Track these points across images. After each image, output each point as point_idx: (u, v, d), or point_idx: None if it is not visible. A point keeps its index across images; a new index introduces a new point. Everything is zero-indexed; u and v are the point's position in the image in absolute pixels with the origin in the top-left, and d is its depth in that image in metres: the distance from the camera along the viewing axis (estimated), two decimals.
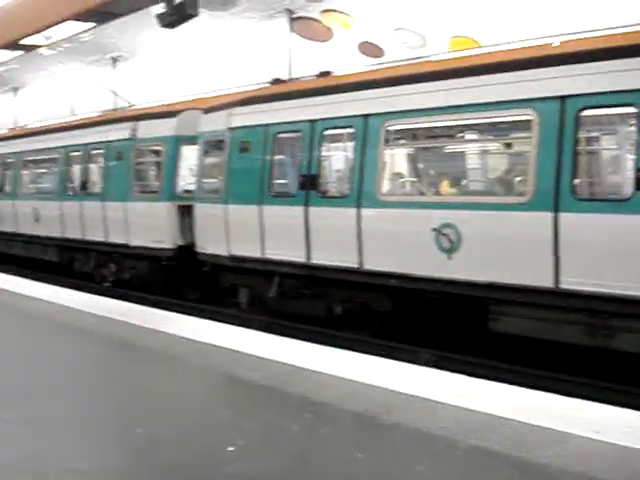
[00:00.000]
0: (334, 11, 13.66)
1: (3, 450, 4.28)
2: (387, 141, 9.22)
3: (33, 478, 3.86)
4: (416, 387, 5.20)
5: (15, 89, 22.29)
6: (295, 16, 14.10)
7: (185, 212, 12.49)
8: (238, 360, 6.07)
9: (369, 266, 9.19)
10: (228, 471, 3.92)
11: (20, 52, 10.78)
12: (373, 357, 6.31)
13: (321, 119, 9.97)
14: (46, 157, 16.82)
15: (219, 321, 8.19)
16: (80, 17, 8.38)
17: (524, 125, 7.94)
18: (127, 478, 3.93)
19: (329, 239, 9.67)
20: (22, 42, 9.79)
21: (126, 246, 13.40)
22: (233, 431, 4.44)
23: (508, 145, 9.51)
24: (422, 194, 9.51)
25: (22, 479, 3.86)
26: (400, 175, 10.09)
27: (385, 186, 9.34)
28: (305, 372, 5.65)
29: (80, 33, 9.86)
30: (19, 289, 9.91)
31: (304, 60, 14.14)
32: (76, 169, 15.42)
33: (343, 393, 5.16)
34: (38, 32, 9.12)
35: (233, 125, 11.26)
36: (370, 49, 14.30)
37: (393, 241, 8.93)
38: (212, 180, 12.03)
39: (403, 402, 4.91)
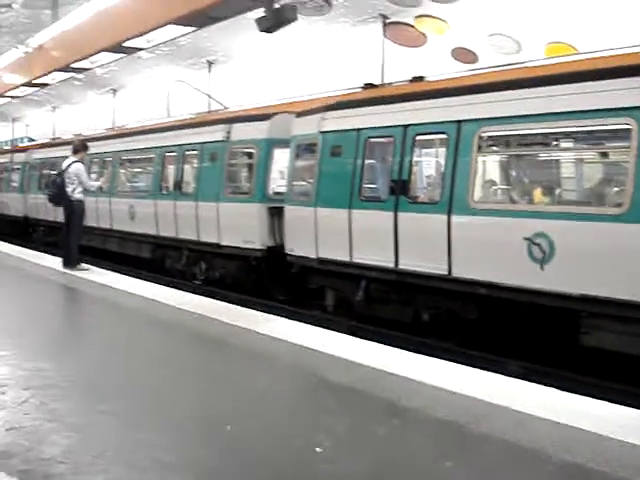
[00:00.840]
0: (428, 16, 13.62)
1: (98, 439, 4.46)
2: (480, 148, 9.14)
3: (126, 468, 4.00)
4: (504, 398, 5.13)
5: (114, 90, 23.09)
6: (389, 21, 14.12)
7: (275, 214, 12.68)
8: (327, 362, 6.12)
9: (458, 274, 9.12)
10: (316, 471, 3.98)
11: (122, 55, 11.15)
12: (460, 365, 6.26)
13: (413, 124, 9.96)
14: (142, 157, 17.35)
15: (306, 323, 8.27)
16: (181, 21, 8.60)
17: (623, 134, 7.74)
18: (216, 473, 4.04)
19: (418, 245, 9.65)
20: (125, 45, 10.11)
21: (217, 245, 13.70)
22: (322, 432, 4.50)
23: (605, 154, 9.28)
24: (514, 202, 9.37)
25: (116, 469, 4.01)
26: (492, 182, 9.98)
27: (477, 193, 9.25)
28: (393, 377, 5.65)
29: (180, 37, 10.12)
30: (117, 284, 10.25)
31: (396, 65, 14.15)
32: (171, 169, 15.83)
33: (431, 400, 5.15)
34: (141, 35, 9.41)
35: (325, 129, 11.37)
36: (464, 55, 14.19)
37: (483, 249, 8.84)
38: (303, 183, 12.18)
39: (491, 412, 4.86)
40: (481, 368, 6.22)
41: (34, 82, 14.79)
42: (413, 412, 4.95)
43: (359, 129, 10.75)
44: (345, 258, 10.71)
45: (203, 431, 4.72)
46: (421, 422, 4.80)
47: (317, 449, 4.21)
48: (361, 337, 7.66)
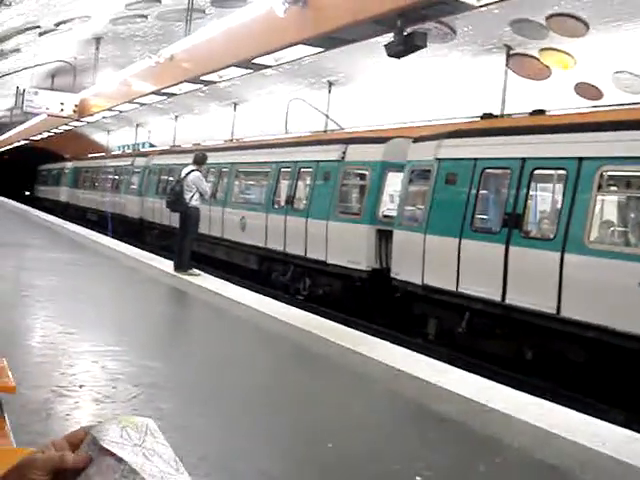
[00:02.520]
0: (554, 50, 13.42)
1: (200, 442, 4.60)
2: (600, 186, 8.93)
3: (229, 475, 4.11)
4: (611, 447, 4.99)
5: (235, 104, 23.75)
6: (513, 52, 14.00)
7: (383, 237, 12.73)
8: (428, 390, 6.11)
9: (567, 314, 8.91)
10: None
11: (249, 70, 11.48)
12: (564, 408, 6.12)
13: (532, 158, 9.83)
14: (257, 170, 17.77)
15: (406, 349, 8.26)
16: (311, 42, 8.80)
17: None
18: None
19: (527, 281, 9.48)
20: (253, 62, 10.42)
21: (323, 263, 13.85)
22: (421, 461, 4.50)
23: None
24: (632, 245, 9.09)
25: (219, 475, 4.13)
26: (610, 223, 9.71)
27: (593, 233, 9.03)
28: (495, 413, 5.57)
29: (306, 57, 10.34)
30: (225, 292, 10.52)
31: (516, 97, 14.00)
32: (284, 184, 16.14)
33: (534, 441, 5.05)
34: (270, 53, 9.68)
35: (441, 156, 11.35)
36: (588, 91, 13.89)
37: (596, 291, 8.61)
38: (414, 208, 12.18)
39: (597, 461, 4.73)
40: (581, 412, 6.06)
41: (162, 91, 15.40)
42: (515, 451, 4.87)
43: (476, 159, 10.69)
44: (451, 287, 10.64)
45: (303, 446, 4.80)
46: (523, 463, 4.73)
47: (417, 478, 4.21)
48: (462, 369, 7.60)
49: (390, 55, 7.70)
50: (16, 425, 4.00)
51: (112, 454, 0.90)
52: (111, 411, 5.12)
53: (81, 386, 5.69)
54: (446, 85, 16.11)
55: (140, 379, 5.96)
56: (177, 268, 12.17)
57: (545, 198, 10.97)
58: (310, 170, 14.96)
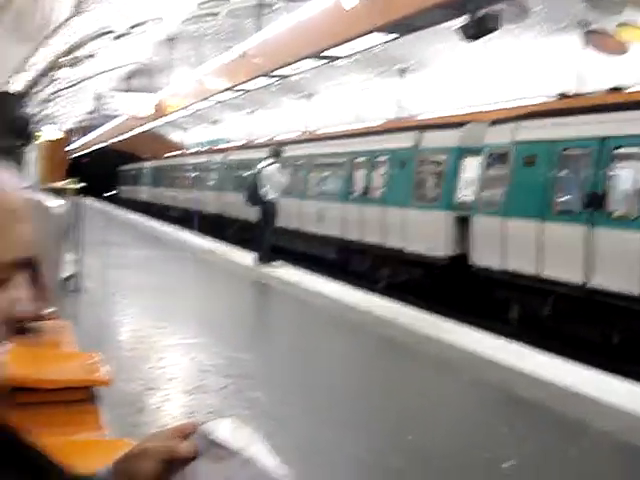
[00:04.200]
0: (631, 25, 13.03)
1: (292, 431, 4.70)
2: None
3: (324, 461, 4.19)
4: None
5: (308, 96, 23.88)
6: (588, 29, 13.66)
7: (462, 222, 12.61)
8: (514, 376, 6.06)
9: None
10: None
11: (322, 62, 11.53)
12: None
13: (613, 137, 9.58)
14: (333, 161, 17.83)
15: (489, 335, 8.20)
16: (384, 29, 8.79)
17: None
18: (404, 474, 4.15)
19: (612, 263, 9.26)
20: (326, 53, 10.47)
21: (401, 251, 13.83)
22: (509, 448, 4.49)
23: None
24: None
25: (314, 460, 4.21)
26: None
27: None
28: (583, 397, 5.51)
29: (379, 45, 10.31)
30: (306, 283, 10.64)
31: (592, 75, 13.66)
32: (360, 174, 16.16)
33: (624, 425, 4.97)
34: (343, 43, 9.71)
35: (518, 139, 11.18)
36: None
37: None
38: (492, 193, 12.03)
39: None
40: None
41: (237, 88, 15.62)
42: (605, 436, 4.80)
43: (554, 140, 10.49)
44: (533, 271, 10.48)
45: (390, 433, 4.85)
46: (613, 447, 4.66)
47: (504, 464, 4.21)
48: (546, 353, 7.50)
49: (463, 39, 7.65)
50: (110, 417, 4.19)
51: (224, 447, 0.92)
52: (202, 402, 5.28)
53: (171, 379, 5.88)
54: (520, 66, 15.82)
55: (229, 370, 6.11)
56: (258, 261, 12.36)
57: (628, 177, 10.68)
58: (385, 158, 14.94)
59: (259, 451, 0.93)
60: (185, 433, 0.96)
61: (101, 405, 3.41)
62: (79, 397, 3.09)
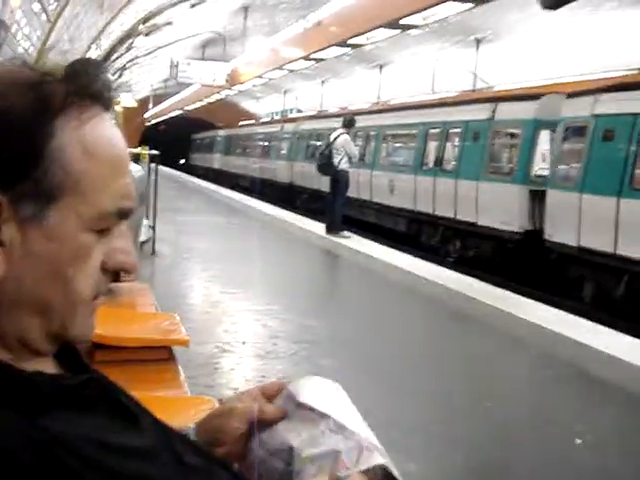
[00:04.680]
0: None
1: (364, 398, 4.72)
2: None
3: (395, 428, 4.20)
4: None
5: (381, 66, 23.66)
6: None
7: (537, 197, 12.38)
8: (585, 352, 5.97)
9: None
10: (574, 462, 3.96)
11: (397, 31, 11.42)
12: None
13: None
14: (405, 132, 17.68)
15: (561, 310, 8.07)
16: None
17: None
18: (477, 445, 4.15)
19: None
20: (401, 22, 10.35)
21: (473, 224, 13.67)
22: (583, 425, 4.43)
23: None
24: None
25: (386, 427, 4.24)
26: None
27: None
28: None
29: (456, 14, 10.15)
30: (377, 254, 10.63)
31: None
32: (432, 146, 15.99)
33: None
34: (419, 12, 9.59)
35: (597, 112, 10.87)
36: None
37: None
38: (569, 167, 11.77)
39: None
40: None
41: (311, 57, 15.59)
42: None
43: (635, 114, 10.16)
44: (609, 249, 10.24)
45: (461, 405, 4.84)
46: None
47: (577, 441, 4.17)
48: (621, 332, 7.36)
49: (545, 7, 7.45)
50: (186, 377, 4.30)
51: (312, 409, 0.91)
52: (273, 367, 5.37)
53: (244, 342, 5.99)
54: (599, 38, 15.33)
55: (299, 336, 6.19)
56: (328, 230, 12.40)
57: None
58: (459, 130, 14.73)
59: (346, 413, 0.92)
60: (271, 393, 0.96)
61: (179, 365, 3.52)
62: (158, 356, 3.18)
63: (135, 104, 33.34)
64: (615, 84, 11.07)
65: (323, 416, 0.90)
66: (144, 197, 8.81)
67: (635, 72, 12.08)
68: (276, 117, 34.49)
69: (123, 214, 0.80)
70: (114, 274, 0.83)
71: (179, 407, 2.63)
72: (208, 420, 0.97)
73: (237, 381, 5.08)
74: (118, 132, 0.82)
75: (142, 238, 9.10)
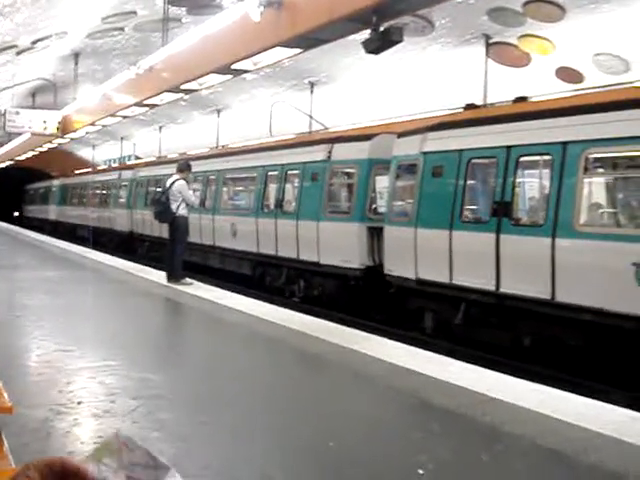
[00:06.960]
0: (533, 36, 13.44)
1: (203, 451, 4.58)
2: (586, 169, 8.94)
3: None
4: (613, 429, 4.98)
5: (218, 110, 23.71)
6: (492, 41, 14.01)
7: (375, 234, 12.71)
8: (428, 384, 6.09)
9: (562, 298, 8.91)
10: None
11: (229, 76, 11.45)
12: (564, 392, 6.12)
13: (517, 145, 9.84)
14: (245, 175, 17.74)
15: (404, 344, 8.25)
16: (288, 44, 8.79)
17: None
18: None
19: (520, 268, 9.49)
20: (233, 67, 10.40)
21: (316, 264, 13.83)
22: (424, 454, 4.48)
23: None
24: (622, 226, 9.10)
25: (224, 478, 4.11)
26: (599, 205, 9.73)
27: (582, 216, 9.04)
28: (495, 402, 5.57)
29: (286, 59, 10.33)
30: (220, 299, 10.49)
31: (498, 85, 14.02)
32: (272, 188, 16.12)
33: (535, 427, 5.05)
34: (248, 57, 9.66)
35: (426, 150, 11.35)
36: (569, 75, 13.91)
37: (589, 274, 8.62)
38: (403, 203, 12.18)
39: (600, 443, 4.72)
40: (584, 396, 6.06)
41: (144, 103, 15.35)
42: (517, 439, 4.87)
43: (461, 150, 10.69)
44: (445, 280, 10.64)
45: (306, 447, 4.78)
46: (526, 450, 4.71)
47: (419, 471, 4.20)
48: (461, 360, 7.59)
49: (368, 52, 7.70)
50: (17, 445, 3.98)
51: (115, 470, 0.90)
52: (110, 426, 5.09)
53: (79, 402, 5.65)
54: (427, 78, 16.11)
55: (139, 392, 5.92)
56: (169, 278, 12.13)
57: (533, 185, 10.98)
58: (297, 172, 14.94)
59: (130, 466, 0.92)
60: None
61: (4, 434, 3.24)
62: None
63: None
64: (441, 122, 11.62)
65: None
66: None
67: (459, 110, 12.74)
68: (114, 165, 33.70)
69: None
70: None
71: None
72: None
73: (72, 445, 4.77)
74: None
75: None
